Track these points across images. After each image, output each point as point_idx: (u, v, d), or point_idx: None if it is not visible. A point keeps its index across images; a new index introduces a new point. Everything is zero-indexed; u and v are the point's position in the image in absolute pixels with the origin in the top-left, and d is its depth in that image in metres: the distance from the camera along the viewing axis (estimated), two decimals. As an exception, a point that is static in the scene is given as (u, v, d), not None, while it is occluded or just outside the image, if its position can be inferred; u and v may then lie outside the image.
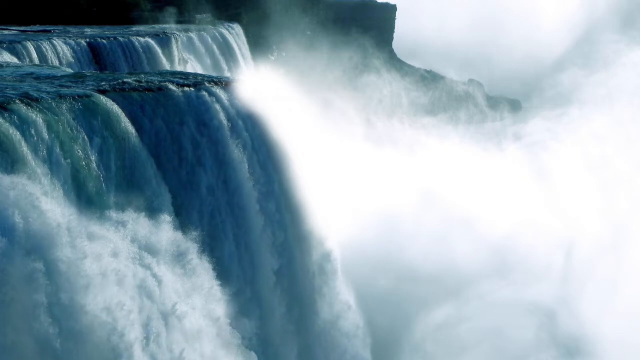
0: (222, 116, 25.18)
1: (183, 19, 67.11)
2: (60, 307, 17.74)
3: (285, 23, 75.97)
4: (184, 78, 26.63)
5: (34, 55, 40.82)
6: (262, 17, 75.01)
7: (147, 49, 47.50)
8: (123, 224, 20.85)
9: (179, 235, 22.32)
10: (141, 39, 48.05)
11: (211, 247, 23.82)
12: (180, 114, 24.31)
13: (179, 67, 49.51)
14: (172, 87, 24.90)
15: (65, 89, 23.53)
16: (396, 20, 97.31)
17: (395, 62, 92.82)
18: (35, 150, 19.81)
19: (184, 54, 53.02)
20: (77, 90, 23.52)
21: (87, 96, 22.67)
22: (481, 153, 50.97)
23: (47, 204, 18.50)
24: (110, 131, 22.16)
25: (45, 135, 20.24)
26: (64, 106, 21.52)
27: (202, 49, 57.12)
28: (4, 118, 19.71)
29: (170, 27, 59.23)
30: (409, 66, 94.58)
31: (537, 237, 39.64)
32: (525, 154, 49.20)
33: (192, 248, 22.49)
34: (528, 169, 46.57)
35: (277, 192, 26.23)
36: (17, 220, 17.73)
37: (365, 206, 38.42)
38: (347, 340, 28.94)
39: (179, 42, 52.02)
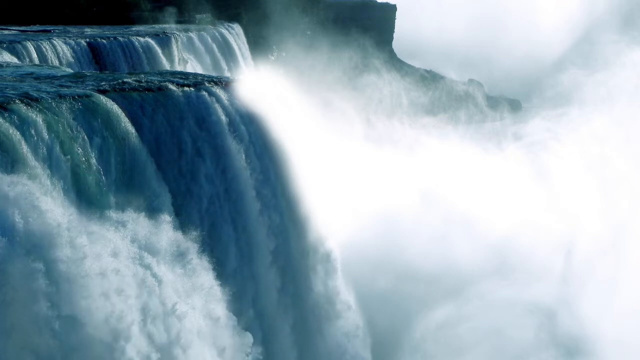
0: (222, 116, 25.22)
1: (183, 19, 67.11)
2: (60, 296, 17.79)
3: (285, 23, 75.94)
4: (184, 78, 26.66)
5: (34, 55, 40.85)
6: (262, 17, 74.97)
7: (147, 49, 47.53)
8: (123, 224, 20.87)
9: (179, 235, 22.34)
10: (141, 39, 48.08)
11: (211, 239, 23.93)
12: (181, 114, 24.34)
13: (179, 67, 49.52)
14: (172, 87, 24.93)
15: (65, 89, 23.56)
16: (396, 20, 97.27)
17: (395, 62, 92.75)
18: (35, 150, 19.83)
19: (184, 54, 53.04)
20: (77, 90, 23.54)
21: (87, 96, 22.69)
22: (481, 153, 50.89)
23: (47, 204, 18.53)
24: (110, 131, 22.18)
25: (45, 135, 20.27)
26: (64, 106, 21.55)
27: (202, 49, 57.13)
28: (4, 118, 19.73)
29: (170, 27, 59.23)
30: (409, 66, 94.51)
31: (537, 237, 39.57)
32: (525, 154, 49.11)
33: (192, 248, 22.51)
34: (528, 169, 46.51)
35: (273, 180, 26.52)
36: (17, 220, 17.77)
37: (365, 206, 38.35)
38: (347, 340, 28.99)
39: (179, 42, 52.04)
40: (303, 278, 27.95)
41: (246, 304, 24.89)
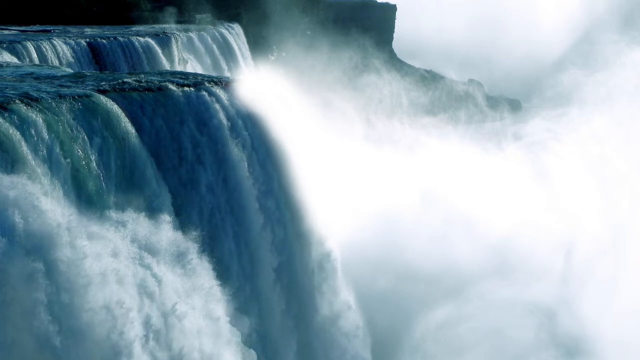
0: (222, 116, 25.19)
1: (183, 19, 67.11)
2: (60, 306, 17.75)
3: (285, 23, 75.94)
4: (184, 78, 26.66)
5: (34, 55, 40.85)
6: (262, 17, 74.97)
7: (147, 49, 47.53)
8: (123, 224, 20.85)
9: (179, 235, 22.31)
10: (141, 39, 48.09)
11: (211, 247, 23.82)
12: (180, 114, 24.33)
13: (179, 67, 49.52)
14: (172, 87, 24.93)
15: (65, 89, 23.56)
16: (396, 20, 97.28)
17: (395, 62, 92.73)
18: (35, 150, 19.83)
19: (184, 54, 53.03)
20: (77, 90, 23.54)
21: (87, 96, 22.70)
22: (481, 153, 50.91)
23: (47, 204, 18.52)
24: (110, 131, 22.19)
25: (45, 135, 20.27)
26: (64, 106, 21.55)
27: (202, 49, 57.12)
28: (4, 118, 19.73)
29: (170, 27, 59.23)
30: (409, 66, 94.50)
31: (537, 237, 39.58)
32: (525, 154, 49.13)
33: (192, 248, 22.47)
34: (528, 169, 46.52)
35: (276, 191, 26.24)
36: (17, 220, 17.75)
37: (365, 206, 38.34)
38: (347, 340, 28.93)
39: (179, 42, 52.05)
40: (308, 298, 27.47)
41: (248, 326, 24.34)
